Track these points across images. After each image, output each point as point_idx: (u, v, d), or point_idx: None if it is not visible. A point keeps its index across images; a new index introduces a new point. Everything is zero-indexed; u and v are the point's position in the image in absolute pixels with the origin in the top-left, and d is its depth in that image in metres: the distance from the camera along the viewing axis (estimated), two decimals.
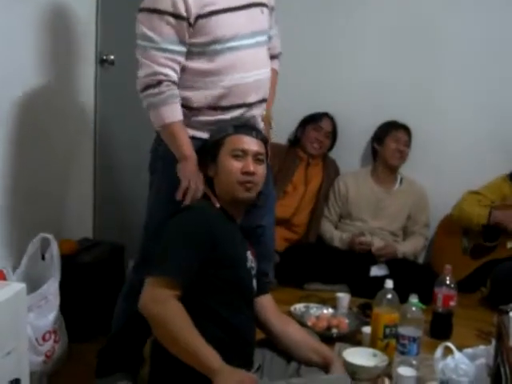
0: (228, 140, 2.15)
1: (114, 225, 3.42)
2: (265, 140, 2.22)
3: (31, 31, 2.77)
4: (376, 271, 3.41)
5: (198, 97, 2.28)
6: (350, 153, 3.91)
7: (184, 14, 2.18)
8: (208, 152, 2.19)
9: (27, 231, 2.62)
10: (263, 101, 2.40)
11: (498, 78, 3.65)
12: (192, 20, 2.20)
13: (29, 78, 2.79)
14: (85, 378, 2.44)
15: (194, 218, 2.05)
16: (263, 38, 2.39)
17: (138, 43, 2.23)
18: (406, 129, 3.70)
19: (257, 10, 2.35)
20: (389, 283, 2.50)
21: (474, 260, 3.51)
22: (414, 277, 3.19)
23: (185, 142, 2.24)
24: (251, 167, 2.11)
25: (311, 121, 3.82)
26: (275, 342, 2.20)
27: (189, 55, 2.26)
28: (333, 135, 3.83)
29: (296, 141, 3.85)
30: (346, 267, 3.44)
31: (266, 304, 2.24)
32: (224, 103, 2.29)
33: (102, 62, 3.24)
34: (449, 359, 2.17)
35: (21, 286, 1.98)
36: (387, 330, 2.46)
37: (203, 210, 2.11)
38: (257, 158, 2.15)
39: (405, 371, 2.21)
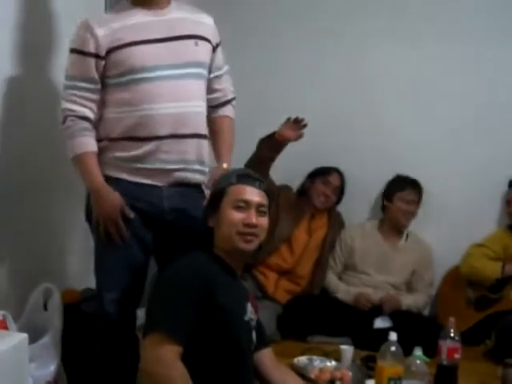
0: (230, 190, 2.13)
1: None
2: (268, 191, 2.20)
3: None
4: (380, 323, 3.38)
5: (115, 126, 2.34)
6: (356, 206, 3.91)
7: (93, 51, 2.29)
8: (210, 202, 2.18)
9: (30, 280, 2.62)
10: (188, 136, 2.38)
11: (499, 130, 3.69)
12: (103, 54, 2.29)
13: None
14: None
15: (189, 271, 2.02)
16: (197, 70, 2.41)
17: None
18: (415, 186, 3.69)
19: (188, 41, 2.39)
20: (393, 336, 2.47)
21: (478, 312, 3.49)
22: (418, 329, 3.16)
23: (93, 173, 2.32)
24: (254, 219, 2.09)
25: (320, 174, 3.81)
26: None
27: (107, 88, 2.35)
28: (340, 190, 3.83)
29: (303, 192, 3.86)
30: (350, 319, 3.41)
31: (266, 356, 2.21)
32: (137, 134, 2.31)
33: None
34: None
35: (22, 336, 1.98)
36: (391, 383, 2.44)
37: (198, 261, 2.08)
38: (259, 209, 2.12)
39: None
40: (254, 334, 2.13)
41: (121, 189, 2.33)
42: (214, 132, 2.58)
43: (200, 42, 2.41)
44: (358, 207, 3.93)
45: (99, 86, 2.34)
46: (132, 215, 2.33)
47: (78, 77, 2.32)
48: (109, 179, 2.34)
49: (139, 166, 2.34)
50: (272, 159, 3.27)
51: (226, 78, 2.60)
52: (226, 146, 2.55)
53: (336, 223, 3.83)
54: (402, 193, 3.68)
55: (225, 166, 2.49)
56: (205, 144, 2.46)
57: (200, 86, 2.44)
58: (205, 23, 2.48)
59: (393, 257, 3.67)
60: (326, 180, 3.78)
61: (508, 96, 3.69)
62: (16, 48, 2.70)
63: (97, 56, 2.29)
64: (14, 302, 2.67)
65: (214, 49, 2.51)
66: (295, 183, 3.88)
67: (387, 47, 3.80)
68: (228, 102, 2.62)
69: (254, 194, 2.12)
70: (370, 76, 3.86)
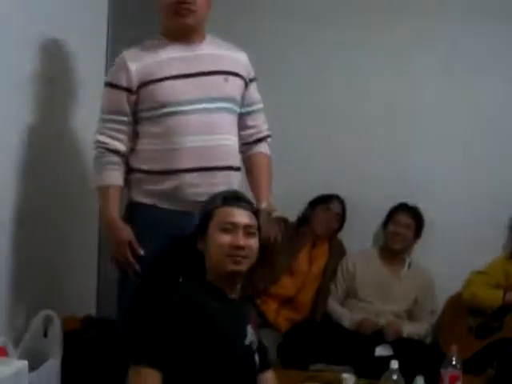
0: (217, 212, 2.10)
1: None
2: (255, 211, 2.17)
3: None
4: (381, 351, 3.36)
5: (146, 158, 2.41)
6: (358, 234, 3.91)
7: (125, 85, 2.36)
8: (197, 226, 2.16)
9: (30, 307, 2.62)
10: (216, 169, 2.41)
11: (502, 157, 3.72)
12: (135, 89, 2.36)
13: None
14: None
15: (178, 301, 1.99)
16: (227, 105, 2.45)
17: None
18: (408, 210, 3.72)
19: (218, 77, 2.44)
20: (394, 364, 2.45)
21: (480, 340, 3.46)
22: (419, 357, 3.14)
23: (109, 205, 2.37)
24: (241, 241, 2.05)
25: (321, 202, 3.82)
26: None
27: (139, 121, 2.42)
28: (341, 218, 3.83)
29: (304, 220, 3.86)
30: (351, 347, 3.39)
31: (267, 379, 2.19)
32: (167, 166, 2.37)
33: None
34: None
35: (22, 364, 1.98)
36: None
37: (185, 292, 2.05)
38: (248, 230, 2.09)
39: None
40: (256, 357, 2.11)
41: (152, 215, 2.39)
42: (250, 170, 2.60)
43: (230, 78, 2.46)
44: (361, 235, 3.92)
45: (131, 119, 2.41)
46: (142, 252, 2.35)
47: (110, 110, 2.40)
48: (140, 205, 2.41)
49: (170, 197, 2.39)
50: None
51: (259, 115, 2.64)
52: (263, 185, 2.56)
53: (337, 251, 3.83)
54: (394, 216, 3.73)
55: (264, 205, 2.48)
56: (236, 176, 2.49)
57: (230, 121, 2.48)
58: (237, 59, 2.53)
59: (394, 285, 3.67)
60: (327, 207, 3.78)
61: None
62: (33, 96, 2.76)
63: (129, 90, 2.37)
64: (14, 328, 2.67)
65: (247, 84, 2.55)
66: (296, 211, 3.88)
67: (388, 74, 3.85)
68: (263, 138, 2.64)
69: (240, 216, 2.09)
70: (372, 103, 3.89)
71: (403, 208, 3.74)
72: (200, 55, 2.45)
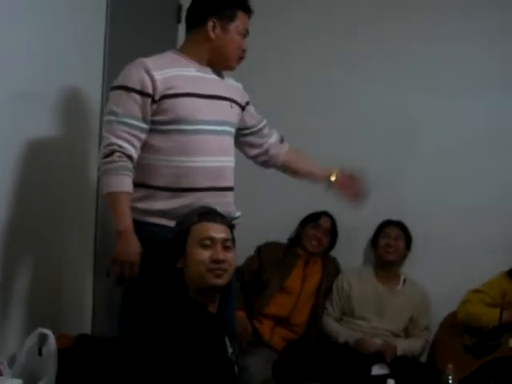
0: (194, 229, 2.16)
1: (115, 319, 3.36)
2: (230, 225, 2.24)
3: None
4: (377, 370, 3.35)
5: (153, 173, 2.37)
6: (351, 251, 3.95)
7: (150, 92, 2.32)
8: (174, 244, 2.19)
9: (24, 325, 2.61)
10: (226, 189, 2.46)
11: (498, 172, 3.76)
12: (157, 98, 2.33)
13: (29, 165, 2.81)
14: None
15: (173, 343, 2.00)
16: (230, 129, 2.53)
17: (104, 119, 2.37)
18: (397, 224, 3.78)
19: (226, 103, 2.51)
20: (390, 383, 2.46)
21: (476, 359, 3.44)
22: (415, 376, 3.14)
23: (123, 215, 2.27)
24: (221, 255, 2.12)
25: (310, 219, 3.86)
26: None
27: (151, 133, 2.36)
28: (332, 234, 3.86)
29: (296, 239, 3.87)
30: (347, 366, 3.37)
31: None
32: (179, 185, 2.35)
33: None
34: None
35: (17, 382, 1.98)
36: None
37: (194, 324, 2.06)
38: (225, 244, 2.15)
39: None
40: (236, 368, 2.13)
41: (161, 236, 2.34)
42: (295, 165, 2.80)
43: (233, 105, 2.55)
44: (350, 252, 3.95)
45: (148, 128, 2.36)
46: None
47: (130, 114, 2.31)
48: (146, 224, 2.36)
49: (175, 215, 2.35)
50: None
51: (268, 127, 2.79)
52: (314, 163, 2.80)
53: (330, 269, 3.84)
54: (382, 230, 3.80)
55: (333, 177, 2.79)
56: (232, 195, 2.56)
57: (232, 144, 2.57)
58: (236, 87, 2.64)
59: (390, 301, 3.67)
60: (317, 224, 3.82)
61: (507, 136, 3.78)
62: (40, 113, 2.78)
63: (152, 98, 2.32)
64: (8, 347, 2.65)
65: (244, 108, 2.65)
66: (288, 232, 3.92)
67: (376, 92, 3.91)
68: (281, 140, 2.81)
69: (217, 231, 2.16)
70: (359, 122, 3.95)
71: (389, 222, 3.82)
72: (213, 79, 2.50)
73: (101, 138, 3.22)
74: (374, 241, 3.85)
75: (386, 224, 3.83)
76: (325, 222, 3.84)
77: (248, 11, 2.50)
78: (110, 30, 3.26)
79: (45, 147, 2.86)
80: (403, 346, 3.53)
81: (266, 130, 2.77)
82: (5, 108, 2.53)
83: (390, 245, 3.73)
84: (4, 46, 2.50)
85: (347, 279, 3.76)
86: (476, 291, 3.55)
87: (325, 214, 3.86)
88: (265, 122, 2.78)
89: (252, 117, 2.71)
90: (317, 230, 3.80)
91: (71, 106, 3.03)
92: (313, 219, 3.86)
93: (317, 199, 3.83)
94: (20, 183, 2.70)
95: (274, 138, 2.80)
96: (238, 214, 2.57)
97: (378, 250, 3.80)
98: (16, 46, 2.58)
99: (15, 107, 2.63)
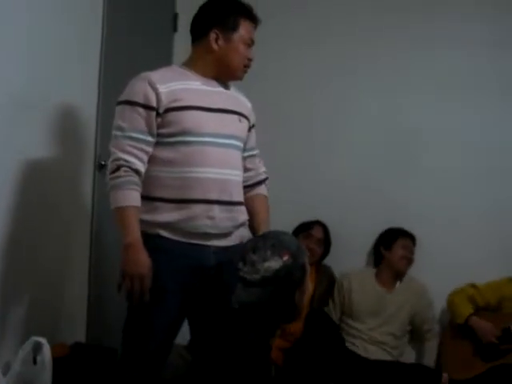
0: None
1: (110, 328, 3.36)
2: None
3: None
4: None
5: (158, 185, 2.34)
6: (346, 258, 3.92)
7: (155, 105, 2.30)
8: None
9: (19, 334, 2.60)
10: (230, 204, 2.41)
11: (499, 178, 3.76)
12: (161, 111, 2.31)
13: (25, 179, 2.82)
14: None
15: None
16: (238, 143, 2.48)
17: (112, 134, 2.34)
18: (412, 238, 3.78)
19: (234, 116, 2.47)
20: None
21: (485, 362, 3.40)
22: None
23: (131, 227, 2.25)
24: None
25: (302, 229, 3.84)
26: None
27: (156, 145, 2.35)
28: (325, 243, 3.85)
29: None
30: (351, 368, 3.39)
31: None
32: (184, 196, 2.32)
33: (100, 167, 3.24)
34: None
35: None
36: None
37: None
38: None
39: None
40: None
41: (166, 248, 2.33)
42: (252, 211, 2.59)
43: (242, 119, 2.51)
44: (345, 260, 3.92)
45: (155, 141, 2.34)
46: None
47: (136, 129, 2.30)
48: (152, 236, 2.33)
49: (187, 229, 2.34)
50: None
51: (259, 160, 2.68)
52: (265, 225, 2.55)
53: (324, 278, 3.83)
54: (401, 240, 3.76)
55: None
56: (244, 210, 2.52)
57: (239, 158, 2.52)
58: (245, 103, 2.59)
59: (388, 301, 3.68)
60: (309, 234, 3.81)
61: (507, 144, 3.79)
62: (35, 123, 2.79)
63: (157, 111, 2.31)
64: (3, 356, 2.64)
65: (250, 128, 2.60)
66: None
67: (374, 104, 3.92)
68: (262, 181, 2.67)
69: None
70: (356, 131, 3.96)
71: (406, 233, 3.78)
72: (220, 92, 2.47)
73: (96, 146, 3.29)
74: (387, 245, 3.78)
75: (402, 233, 3.77)
76: (317, 232, 3.82)
77: (252, 19, 2.48)
78: (107, 39, 3.28)
79: (38, 157, 2.88)
80: (431, 359, 3.62)
81: (256, 160, 2.66)
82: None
83: (408, 257, 3.74)
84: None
85: (348, 279, 3.76)
86: (472, 286, 3.57)
87: (317, 222, 3.85)
88: (258, 151, 2.68)
89: (251, 141, 2.64)
90: (309, 240, 3.76)
91: (66, 118, 3.04)
92: (304, 229, 3.84)
93: (310, 208, 3.90)
94: (15, 193, 2.72)
95: (260, 175, 2.68)
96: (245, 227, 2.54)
97: (392, 257, 3.74)
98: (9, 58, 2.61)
99: (9, 116, 2.64)
